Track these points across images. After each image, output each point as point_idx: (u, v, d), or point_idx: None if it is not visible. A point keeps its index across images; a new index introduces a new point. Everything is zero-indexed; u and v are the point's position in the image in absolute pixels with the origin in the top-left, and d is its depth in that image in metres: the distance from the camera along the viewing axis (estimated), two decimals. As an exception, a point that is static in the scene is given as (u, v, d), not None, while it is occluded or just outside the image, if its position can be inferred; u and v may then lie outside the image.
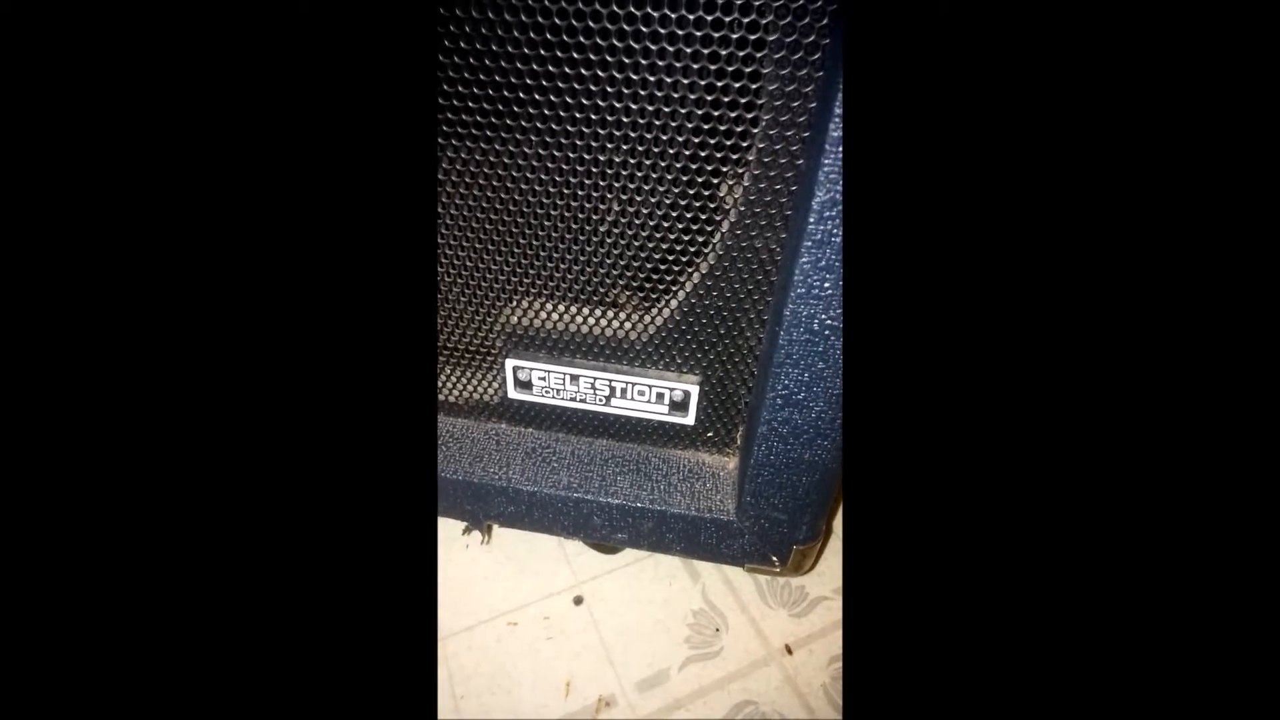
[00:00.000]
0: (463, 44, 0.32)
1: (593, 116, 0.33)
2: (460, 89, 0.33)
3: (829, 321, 0.33)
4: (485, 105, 0.34)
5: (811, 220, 0.29)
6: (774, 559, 0.46)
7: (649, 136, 0.33)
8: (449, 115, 0.34)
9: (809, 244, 0.30)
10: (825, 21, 0.28)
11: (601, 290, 0.41)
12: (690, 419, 0.45)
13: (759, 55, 0.30)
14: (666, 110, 0.32)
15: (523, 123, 0.34)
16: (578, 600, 0.55)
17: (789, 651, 0.53)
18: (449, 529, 0.58)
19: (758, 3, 0.28)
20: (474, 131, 0.35)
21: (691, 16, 0.29)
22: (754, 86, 0.31)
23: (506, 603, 0.55)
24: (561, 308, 0.42)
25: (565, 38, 0.31)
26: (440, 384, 0.49)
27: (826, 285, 0.31)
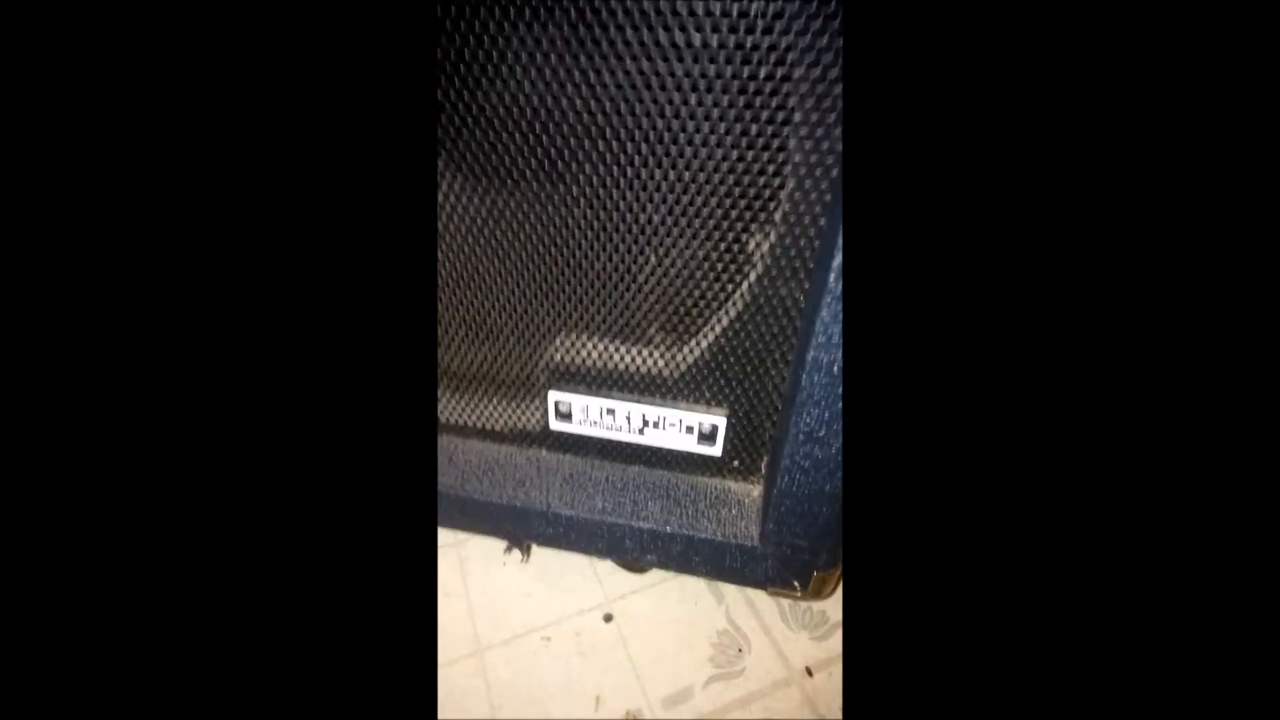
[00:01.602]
0: (519, 106, 0.36)
1: (635, 181, 0.37)
2: (517, 147, 0.37)
3: (847, 367, 0.36)
4: (540, 162, 0.38)
5: (832, 277, 0.33)
6: (795, 584, 0.49)
7: (685, 198, 0.37)
8: (506, 165, 0.39)
9: (829, 299, 0.34)
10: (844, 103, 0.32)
11: (638, 330, 0.45)
12: (718, 450, 0.48)
13: (785, 130, 0.33)
14: (701, 176, 0.36)
15: (573, 182, 0.38)
16: (608, 618, 0.58)
17: (810, 674, 0.55)
18: (491, 547, 0.62)
19: (785, 87, 0.32)
20: (528, 185, 0.39)
21: (726, 98, 0.33)
22: (780, 156, 0.34)
23: (541, 618, 0.58)
24: (601, 345, 0.46)
25: (613, 118, 0.35)
26: (488, 413, 0.53)
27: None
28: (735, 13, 0.30)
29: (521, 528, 0.53)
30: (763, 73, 0.32)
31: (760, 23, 0.31)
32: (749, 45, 0.31)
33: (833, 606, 0.60)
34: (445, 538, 0.63)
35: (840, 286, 0.33)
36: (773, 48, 0.31)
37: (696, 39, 0.32)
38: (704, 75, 0.32)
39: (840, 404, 0.37)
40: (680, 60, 0.32)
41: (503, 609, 0.59)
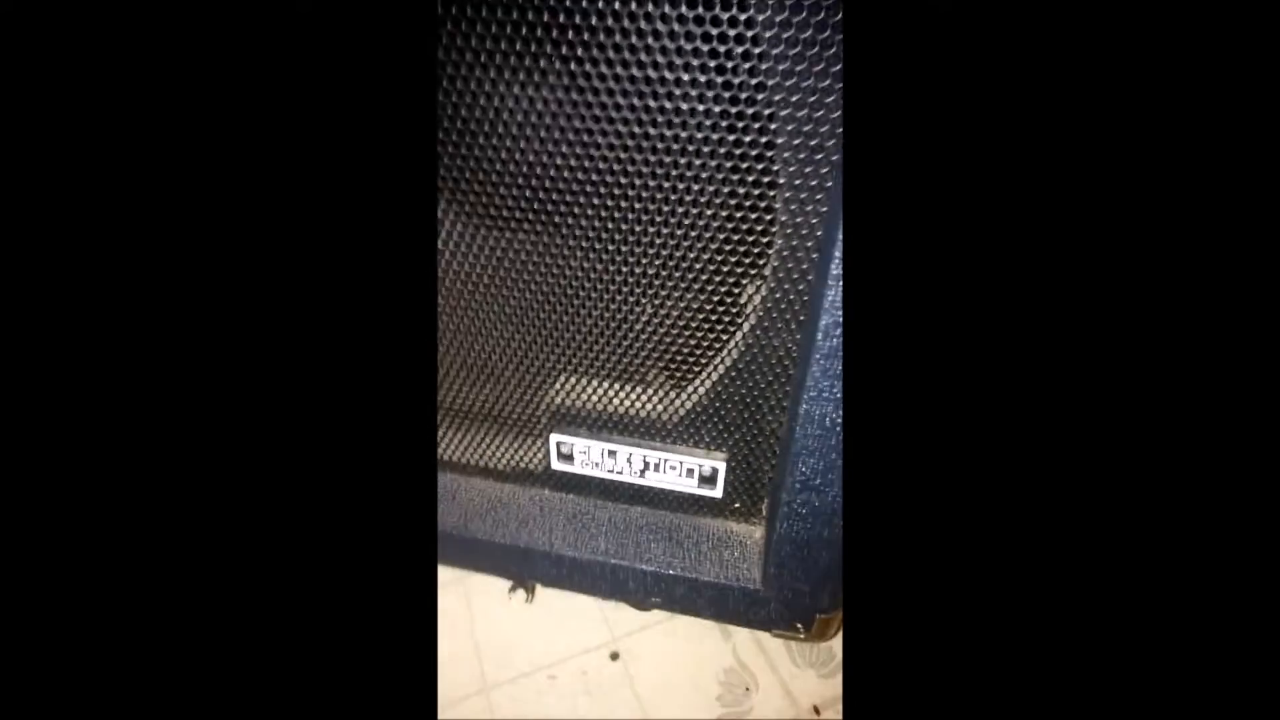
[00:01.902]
0: (518, 160, 0.37)
1: (630, 235, 0.38)
2: (518, 196, 0.39)
3: (840, 420, 0.36)
4: (538, 214, 0.39)
5: (819, 336, 0.33)
6: (799, 626, 0.49)
7: (678, 253, 0.38)
8: (508, 211, 0.39)
9: (819, 355, 0.34)
10: (828, 169, 0.32)
11: (638, 375, 0.45)
12: (718, 492, 0.49)
13: (772, 193, 0.34)
14: (693, 233, 0.37)
15: (570, 234, 0.39)
16: (614, 656, 0.59)
17: (817, 712, 0.55)
18: (496, 584, 0.63)
19: (770, 153, 0.33)
20: (529, 231, 0.40)
21: (714, 162, 0.34)
22: (768, 216, 0.35)
23: (547, 657, 0.59)
24: (601, 388, 0.47)
25: (607, 176, 0.36)
26: (491, 453, 0.54)
27: (836, 390, 0.35)
28: (721, 84, 0.31)
29: (525, 568, 0.54)
30: (749, 139, 0.33)
31: (745, 93, 0.31)
32: (735, 113, 0.32)
33: (840, 645, 0.60)
34: (450, 574, 0.64)
35: (829, 344, 0.34)
36: (757, 116, 0.32)
37: (685, 106, 0.32)
38: (692, 140, 0.33)
39: (834, 455, 0.38)
40: (669, 125, 0.33)
41: (509, 647, 0.59)
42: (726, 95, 0.32)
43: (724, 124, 0.32)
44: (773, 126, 0.32)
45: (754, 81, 0.31)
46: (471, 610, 0.62)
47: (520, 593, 0.62)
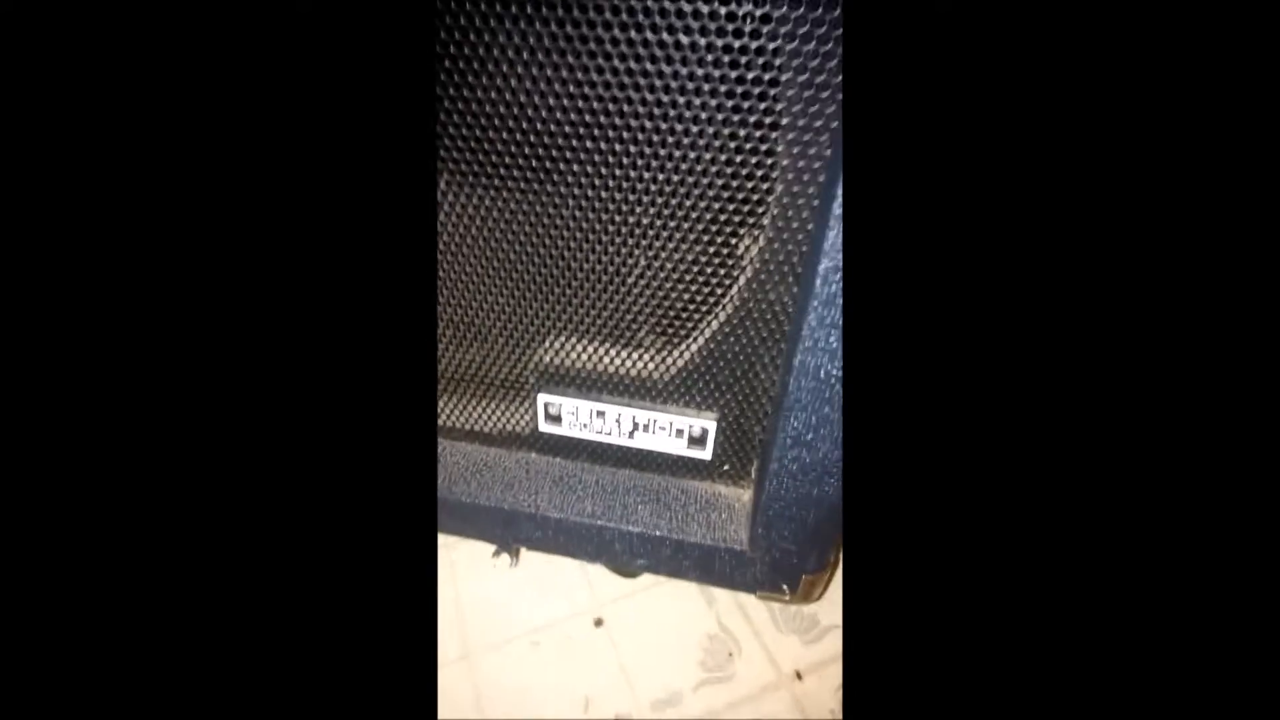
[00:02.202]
0: (507, 105, 0.36)
1: (624, 182, 0.37)
2: (505, 146, 0.37)
3: (834, 371, 0.36)
4: (527, 162, 0.38)
5: (818, 283, 0.33)
6: (784, 587, 0.49)
7: (674, 201, 0.37)
8: (494, 165, 0.38)
9: (816, 303, 0.33)
10: (833, 108, 0.31)
11: (628, 333, 0.44)
12: (708, 454, 0.48)
13: (774, 135, 0.33)
14: (690, 179, 0.36)
15: (561, 183, 0.38)
16: (598, 622, 0.58)
17: (799, 677, 0.55)
18: (479, 550, 0.62)
19: (773, 91, 0.32)
20: (516, 184, 0.39)
21: (714, 101, 0.33)
22: (769, 160, 0.34)
23: (531, 623, 0.58)
24: (591, 348, 0.46)
25: (601, 117, 0.35)
26: (476, 416, 0.53)
27: (832, 340, 0.34)
28: (724, 14, 0.30)
29: (510, 531, 0.53)
30: (751, 76, 0.32)
31: (749, 25, 0.30)
32: (738, 47, 0.31)
33: (823, 610, 0.60)
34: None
35: (827, 291, 0.33)
36: (761, 51, 0.31)
37: (685, 40, 0.31)
38: (692, 76, 0.32)
39: (828, 409, 0.37)
40: (669, 61, 0.32)
41: (492, 613, 0.59)
42: (730, 28, 0.31)
43: (727, 59, 0.31)
44: (777, 62, 0.31)
45: (758, 14, 0.30)
46: (454, 575, 0.61)
47: (504, 557, 0.61)
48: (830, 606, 0.60)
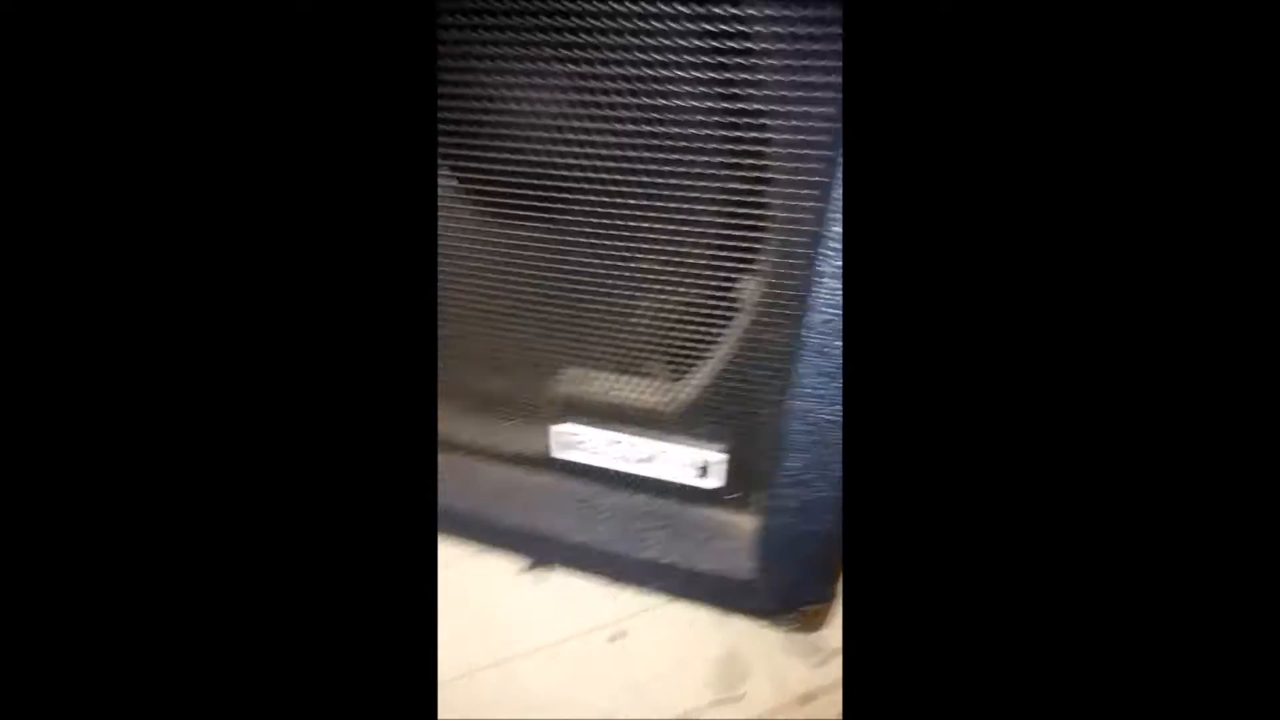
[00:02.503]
0: (520, 155, 0.38)
1: (626, 229, 0.39)
2: (521, 188, 0.39)
3: (829, 418, 0.37)
4: (540, 207, 0.40)
5: (805, 331, 0.34)
6: (789, 616, 0.50)
7: (673, 247, 0.39)
8: (513, 202, 0.40)
9: (808, 353, 0.35)
10: (822, 166, 0.33)
11: (639, 367, 0.46)
12: (716, 484, 0.50)
13: (765, 189, 0.34)
14: (686, 227, 0.38)
15: (571, 227, 0.40)
16: (613, 638, 0.60)
17: (807, 701, 0.56)
18: (497, 563, 0.64)
19: (764, 150, 0.33)
20: (533, 228, 0.41)
21: (705, 159, 0.34)
22: (762, 212, 0.35)
23: (547, 637, 0.60)
24: (604, 380, 0.48)
25: (604, 171, 0.36)
26: (498, 440, 0.55)
27: (824, 388, 0.36)
28: (721, 79, 0.32)
29: (529, 550, 0.56)
30: (743, 136, 0.33)
31: (740, 91, 0.32)
32: (732, 110, 0.32)
33: (830, 635, 0.60)
34: (452, 551, 0.65)
35: (819, 341, 0.34)
36: (750, 113, 0.32)
37: (682, 104, 0.33)
38: (685, 138, 0.34)
39: (824, 452, 0.38)
40: (664, 125, 0.34)
41: (507, 626, 0.61)
42: (720, 92, 0.32)
43: (718, 122, 0.33)
44: (766, 123, 0.32)
45: (750, 79, 0.31)
46: (467, 588, 0.63)
47: (522, 570, 0.63)
48: (839, 632, 0.61)
